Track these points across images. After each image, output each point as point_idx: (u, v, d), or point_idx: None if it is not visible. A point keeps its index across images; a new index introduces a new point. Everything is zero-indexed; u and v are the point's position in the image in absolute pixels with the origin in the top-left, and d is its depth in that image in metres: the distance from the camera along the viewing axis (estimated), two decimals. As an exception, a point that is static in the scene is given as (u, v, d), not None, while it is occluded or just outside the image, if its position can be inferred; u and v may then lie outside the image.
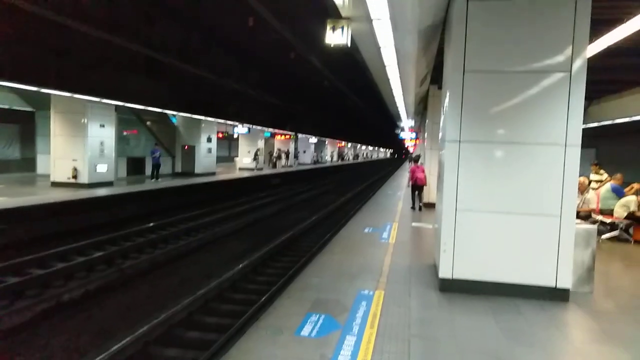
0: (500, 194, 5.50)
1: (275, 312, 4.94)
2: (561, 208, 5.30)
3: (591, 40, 7.64)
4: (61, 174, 15.41)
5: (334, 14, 5.94)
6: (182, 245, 11.07)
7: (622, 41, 7.47)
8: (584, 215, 9.44)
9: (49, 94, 14.43)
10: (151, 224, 12.46)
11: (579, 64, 5.21)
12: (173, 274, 9.24)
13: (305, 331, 4.39)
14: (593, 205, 9.83)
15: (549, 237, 5.35)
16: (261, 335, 4.32)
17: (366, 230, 10.00)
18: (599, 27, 7.14)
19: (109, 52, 12.16)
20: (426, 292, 5.70)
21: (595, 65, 8.81)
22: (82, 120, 15.35)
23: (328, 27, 5.92)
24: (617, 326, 4.83)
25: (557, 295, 5.35)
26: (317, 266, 6.95)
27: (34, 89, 11.92)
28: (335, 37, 5.91)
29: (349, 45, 6.05)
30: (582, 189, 9.52)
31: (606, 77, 10.95)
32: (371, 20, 5.92)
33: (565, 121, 5.26)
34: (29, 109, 19.58)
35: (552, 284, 5.36)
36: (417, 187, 13.57)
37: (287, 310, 4.99)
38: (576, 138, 5.26)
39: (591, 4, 5.17)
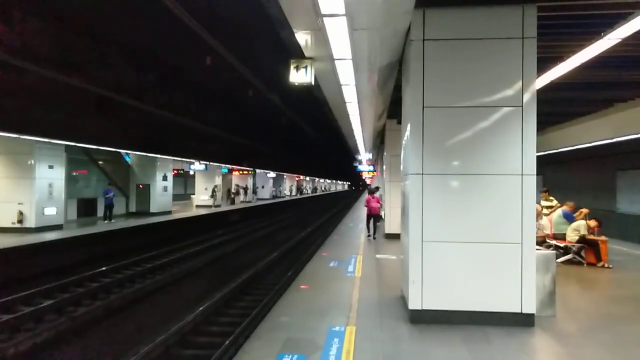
0: (464, 223, 5.67)
1: (245, 356, 4.76)
2: (522, 235, 5.52)
3: (537, 76, 8.26)
4: (5, 218, 14.48)
5: (297, 53, 6.08)
6: (138, 288, 10.54)
7: (564, 76, 8.09)
8: (539, 241, 9.84)
9: (-8, 135, 13.73)
10: (104, 268, 11.84)
11: (529, 97, 5.57)
12: (130, 319, 8.75)
13: (280, 374, 4.24)
14: (547, 231, 10.30)
15: (512, 264, 5.53)
16: (234, 381, 4.13)
17: (331, 264, 9.95)
18: (543, 64, 7.71)
19: (59, 91, 11.78)
20: (397, 325, 5.69)
21: (540, 98, 9.45)
22: (29, 162, 14.63)
23: (292, 67, 6.04)
24: (583, 351, 4.98)
25: (523, 321, 5.49)
26: (286, 304, 6.81)
27: (-22, 129, 11.32)
28: (299, 76, 6.03)
29: (313, 83, 6.19)
30: (536, 216, 9.97)
31: (550, 110, 11.71)
32: (334, 60, 6.10)
33: (520, 151, 5.55)
34: (-32, 149, 18.46)
35: (517, 309, 5.50)
36: (372, 215, 14.52)
37: (258, 352, 4.83)
38: (531, 167, 5.55)
39: (537, 43, 5.58)
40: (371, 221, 14.59)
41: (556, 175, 19.03)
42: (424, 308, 5.69)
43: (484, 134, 5.65)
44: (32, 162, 14.64)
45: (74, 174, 20.47)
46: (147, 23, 10.57)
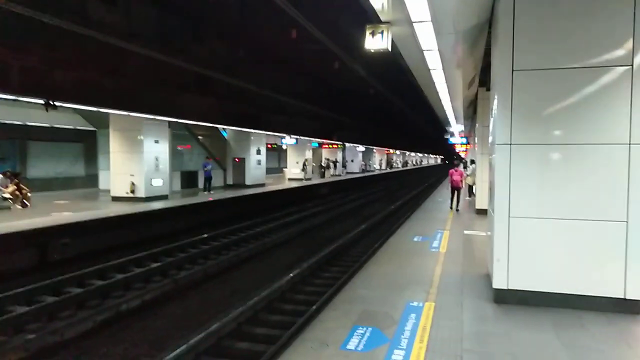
0: (557, 198, 5.15)
1: (321, 325, 4.86)
2: (627, 212, 4.88)
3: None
4: (120, 188, 16.19)
5: (374, 19, 5.85)
6: (233, 255, 11.27)
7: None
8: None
9: (108, 114, 15.28)
10: (205, 235, 12.79)
11: (642, 56, 4.81)
12: (225, 283, 9.41)
13: (352, 345, 4.28)
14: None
15: (614, 244, 4.94)
16: (306, 348, 4.24)
17: (415, 239, 9.73)
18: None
19: (161, 71, 12.69)
20: (479, 304, 5.42)
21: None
22: (138, 137, 16.10)
23: (367, 33, 5.83)
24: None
25: (626, 308, 4.91)
26: (365, 277, 6.81)
27: (94, 109, 12.65)
28: (375, 42, 5.81)
29: (390, 49, 5.93)
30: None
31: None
32: (412, 24, 5.77)
33: (629, 118, 4.86)
34: (91, 128, 20.83)
35: (620, 294, 4.93)
36: (454, 188, 14.76)
37: (334, 322, 4.89)
38: (642, 135, 4.84)
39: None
40: (455, 193, 14.81)
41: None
42: (509, 288, 5.33)
43: (582, 98, 5.02)
44: (141, 137, 16.09)
45: (178, 148, 22.22)
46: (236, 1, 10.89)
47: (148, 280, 9.33)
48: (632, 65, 4.85)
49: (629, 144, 4.86)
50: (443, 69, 8.66)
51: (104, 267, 9.52)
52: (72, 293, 8.05)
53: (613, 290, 4.96)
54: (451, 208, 14.98)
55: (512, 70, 5.25)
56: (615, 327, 4.64)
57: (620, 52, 4.89)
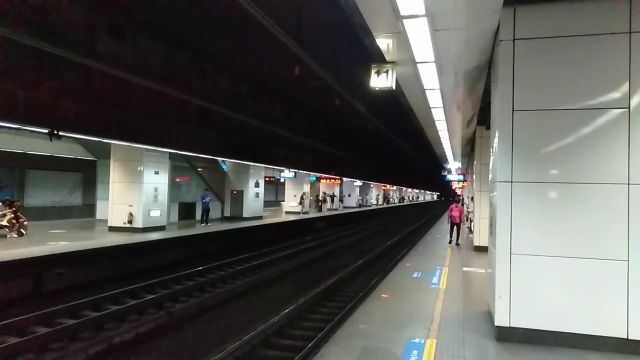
0: (559, 236, 5.20)
1: (322, 360, 4.79)
2: (628, 251, 4.92)
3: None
4: (118, 219, 16.11)
5: (379, 59, 6.06)
6: (229, 289, 11.14)
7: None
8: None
9: (109, 144, 15.41)
10: (200, 268, 12.67)
11: (638, 98, 4.99)
12: (220, 317, 9.26)
13: (355, 381, 4.21)
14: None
15: (615, 283, 4.95)
16: (309, 384, 4.17)
17: (415, 274, 9.69)
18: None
19: (163, 103, 12.91)
20: (481, 341, 5.36)
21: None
22: (139, 168, 16.17)
23: (373, 71, 6.03)
24: None
25: (629, 348, 4.88)
26: (365, 312, 6.75)
27: (96, 139, 12.77)
28: (380, 81, 6.00)
29: (394, 88, 6.13)
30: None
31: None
32: (416, 64, 5.99)
33: (627, 158, 4.98)
34: (91, 158, 20.92)
35: (622, 334, 4.91)
36: (453, 224, 15.64)
37: (335, 358, 4.82)
38: (640, 175, 4.95)
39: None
40: (454, 229, 15.65)
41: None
42: (512, 325, 5.30)
43: (581, 138, 5.17)
44: (141, 168, 16.17)
45: (177, 180, 22.26)
46: (240, 36, 11.23)
47: (142, 312, 9.17)
48: (629, 107, 5.01)
49: (628, 183, 4.96)
50: (444, 107, 8.88)
51: (98, 298, 9.38)
52: (65, 324, 7.90)
53: (615, 330, 4.94)
54: (450, 243, 15.65)
55: (513, 110, 5.42)
56: (618, 368, 4.60)
57: (616, 95, 5.07)
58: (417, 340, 5.38)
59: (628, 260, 4.92)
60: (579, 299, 5.10)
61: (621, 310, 4.92)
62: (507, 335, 5.30)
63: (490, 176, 6.69)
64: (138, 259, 12.98)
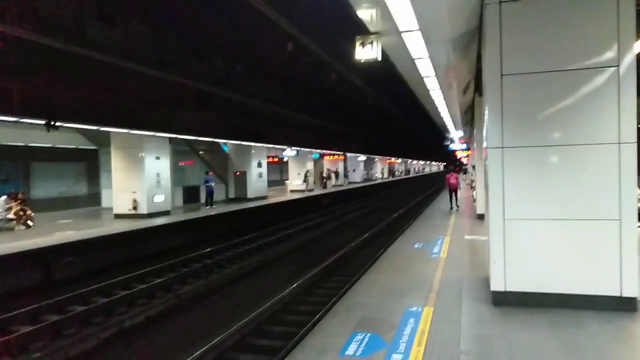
0: (551, 199, 5.21)
1: (320, 332, 4.90)
2: (620, 210, 4.93)
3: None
4: (123, 206, 16.29)
5: (365, 30, 5.97)
6: (237, 269, 11.33)
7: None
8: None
9: (109, 132, 15.45)
10: (207, 249, 12.85)
11: (627, 57, 4.91)
12: (228, 297, 9.45)
13: (350, 350, 4.32)
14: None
15: (608, 243, 4.97)
16: (306, 355, 4.28)
17: (416, 245, 9.77)
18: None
19: (160, 87, 12.86)
20: (478, 307, 5.44)
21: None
22: (140, 154, 16.24)
23: (357, 43, 5.96)
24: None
25: (623, 305, 4.93)
26: (366, 285, 6.85)
27: (94, 127, 12.81)
28: (365, 52, 5.93)
29: (379, 59, 6.05)
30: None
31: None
32: (400, 33, 5.90)
33: (617, 118, 4.93)
34: (93, 147, 21.03)
35: (616, 292, 4.95)
36: (451, 190, 17.33)
37: (333, 330, 4.93)
38: (631, 135, 4.91)
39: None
40: (453, 194, 17.30)
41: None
42: (507, 290, 5.36)
43: (570, 100, 5.11)
44: (142, 154, 16.23)
45: (180, 164, 22.35)
46: (232, 16, 11.08)
47: (152, 296, 9.36)
48: (618, 66, 4.94)
49: (619, 143, 4.93)
50: (436, 76, 8.77)
51: (107, 285, 9.58)
52: (76, 311, 8.11)
53: (609, 288, 4.98)
54: (451, 208, 17.07)
55: (501, 75, 5.35)
56: (612, 325, 4.66)
57: (605, 54, 4.98)
58: (414, 308, 5.47)
59: (620, 219, 4.93)
60: (572, 260, 5.14)
61: (614, 268, 4.96)
62: (503, 300, 5.38)
63: (484, 143, 6.66)
64: (144, 244, 13.18)
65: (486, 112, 5.78)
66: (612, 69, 4.95)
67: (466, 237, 10.71)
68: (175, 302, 8.99)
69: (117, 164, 16.49)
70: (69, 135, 18.94)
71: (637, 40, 5.14)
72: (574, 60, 5.10)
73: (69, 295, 8.80)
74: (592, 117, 5.03)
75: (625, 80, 4.91)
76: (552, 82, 5.18)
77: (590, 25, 5.05)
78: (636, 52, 4.97)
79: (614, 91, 4.95)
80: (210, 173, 21.13)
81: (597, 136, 5.01)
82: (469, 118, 18.45)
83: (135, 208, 16.07)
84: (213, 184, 19.90)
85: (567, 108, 5.13)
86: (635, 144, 4.89)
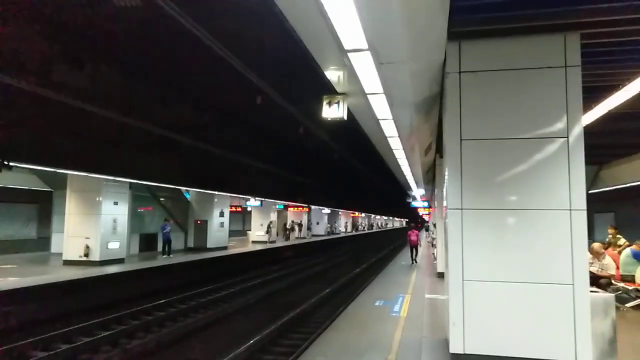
0: (508, 262, 5.31)
1: (275, 396, 4.64)
2: (573, 275, 5.06)
3: (590, 107, 7.81)
4: (73, 252, 15.46)
5: (331, 90, 6.18)
6: (190, 323, 10.79)
7: (622, 106, 7.57)
8: (604, 283, 9.01)
9: (66, 174, 14.92)
10: (161, 301, 12.24)
11: (576, 129, 5.23)
12: (181, 353, 8.92)
13: (305, 417, 4.09)
14: (612, 271, 9.41)
15: (563, 307, 5.05)
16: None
17: (377, 303, 9.66)
18: (596, 94, 7.29)
19: (123, 132, 12.67)
20: (437, 370, 5.34)
21: (599, 130, 8.90)
22: (97, 199, 15.68)
23: (324, 102, 6.14)
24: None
25: (578, 372, 4.96)
26: (324, 344, 6.64)
27: (52, 169, 12.36)
28: (332, 111, 6.11)
29: (345, 118, 6.24)
30: (598, 255, 9.15)
31: (612, 141, 10.96)
32: (366, 95, 6.14)
33: (568, 185, 5.18)
34: (47, 189, 20.17)
35: (571, 358, 4.98)
36: (412, 246, 19.09)
37: (288, 393, 4.69)
38: (580, 202, 5.14)
39: (582, 73, 5.30)
40: (414, 250, 18.96)
41: (629, 212, 17.50)
42: (466, 352, 5.31)
43: (524, 167, 5.35)
44: (100, 199, 15.68)
45: (139, 210, 21.69)
46: (203, 68, 11.24)
47: (96, 351, 8.73)
48: (567, 137, 5.26)
49: (570, 209, 5.15)
50: (399, 136, 9.08)
51: (48, 337, 8.88)
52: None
53: (565, 353, 5.00)
54: (412, 262, 18.54)
55: (461, 140, 5.59)
56: (568, 392, 4.65)
57: (556, 125, 5.30)
58: (373, 371, 5.31)
59: (573, 284, 5.06)
60: (529, 323, 5.17)
61: (569, 333, 5.01)
62: (462, 363, 5.30)
63: (444, 203, 6.82)
64: (91, 294, 12.42)
65: (446, 174, 5.96)
66: (562, 139, 5.27)
67: (426, 295, 10.69)
68: (121, 358, 8.39)
69: (71, 208, 15.83)
70: (23, 175, 18.14)
71: (586, 112, 5.54)
72: (527, 129, 5.40)
73: (3, 348, 8.08)
74: (545, 183, 5.27)
75: (574, 150, 5.21)
76: (507, 149, 5.43)
77: (541, 99, 5.39)
78: (584, 124, 5.33)
79: (564, 160, 5.23)
80: (170, 221, 20.57)
81: (549, 202, 5.22)
82: (430, 177, 19.01)
83: (87, 255, 15.32)
84: (169, 230, 19.27)
85: (522, 174, 5.36)
86: (585, 211, 5.12)
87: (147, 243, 20.98)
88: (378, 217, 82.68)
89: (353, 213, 57.84)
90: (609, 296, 5.46)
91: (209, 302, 12.96)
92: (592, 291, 5.31)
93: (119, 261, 16.19)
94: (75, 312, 11.19)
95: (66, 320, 10.21)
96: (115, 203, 16.32)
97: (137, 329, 10.00)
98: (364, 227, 67.22)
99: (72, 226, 15.73)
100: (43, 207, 20.81)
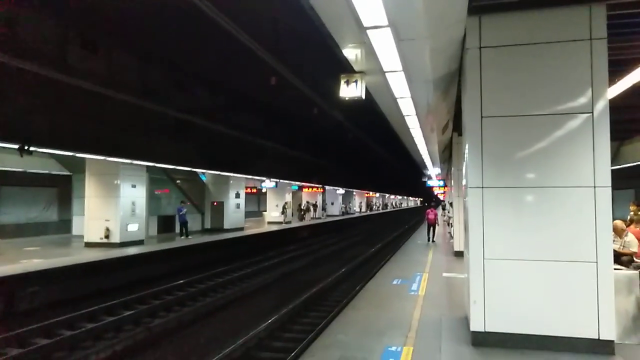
0: (530, 240, 5.28)
1: (298, 372, 4.74)
2: (596, 253, 5.01)
3: (614, 81, 7.58)
4: (94, 234, 15.79)
5: (349, 69, 6.10)
6: (210, 302, 10.99)
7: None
8: (626, 260, 8.88)
9: (84, 158, 15.14)
10: (181, 281, 12.48)
11: (601, 104, 5.12)
12: (201, 332, 9.11)
13: (329, 393, 4.17)
14: (634, 249, 9.26)
15: (586, 284, 5.03)
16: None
17: (395, 282, 9.71)
18: (620, 67, 7.07)
19: (140, 115, 12.76)
20: (458, 347, 5.38)
21: (622, 104, 8.66)
22: (115, 182, 15.91)
23: (342, 81, 6.08)
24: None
25: (601, 348, 4.95)
26: (344, 322, 6.72)
27: (70, 154, 12.54)
28: (350, 90, 6.05)
29: (364, 97, 6.17)
30: (620, 232, 8.99)
31: (634, 117, 10.67)
32: (384, 73, 6.05)
33: (592, 162, 5.09)
34: (66, 172, 20.50)
35: (594, 335, 4.98)
36: (429, 225, 19.06)
37: (311, 370, 4.78)
38: (605, 179, 5.07)
39: (608, 45, 5.14)
40: (431, 229, 18.86)
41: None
42: (487, 330, 5.33)
43: (548, 143, 5.27)
44: (118, 182, 15.91)
45: (156, 192, 21.98)
46: (217, 50, 11.19)
47: (120, 330, 8.97)
48: (592, 112, 5.13)
49: (594, 186, 5.07)
50: (417, 115, 8.97)
51: (73, 317, 9.15)
52: (39, 344, 7.68)
53: (587, 330, 5.01)
54: (428, 241, 18.48)
55: (481, 117, 5.50)
56: (590, 369, 4.66)
57: (580, 100, 5.18)
58: (393, 348, 5.37)
59: (597, 262, 5.01)
60: (551, 301, 5.17)
61: (592, 311, 5.00)
62: (482, 340, 5.34)
63: (463, 182, 6.76)
64: (114, 275, 12.72)
65: (466, 152, 5.89)
66: (586, 114, 5.15)
67: (444, 274, 10.72)
68: (145, 336, 8.62)
69: (90, 191, 16.09)
70: (42, 160, 18.46)
71: (609, 87, 5.39)
72: (550, 105, 5.28)
73: (32, 327, 8.36)
74: (569, 160, 5.19)
75: (599, 125, 5.10)
76: (529, 126, 5.34)
77: (564, 73, 5.27)
78: (609, 98, 5.19)
79: (589, 136, 5.13)
80: (187, 203, 20.80)
81: (573, 179, 5.15)
82: (447, 156, 18.84)
83: (107, 237, 15.61)
84: (185, 212, 19.46)
85: (546, 151, 5.27)
86: (610, 188, 5.04)
87: (165, 225, 21.28)
88: (392, 196, 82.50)
89: (367, 193, 57.79)
90: (633, 273, 5.41)
91: (227, 281, 13.17)
92: (614, 269, 5.25)
93: (139, 242, 16.49)
94: (99, 292, 11.48)
95: (92, 300, 10.49)
96: (133, 186, 16.52)
97: (158, 309, 10.22)
98: (378, 207, 67.19)
99: (92, 209, 16.02)
100: (63, 190, 21.20)
